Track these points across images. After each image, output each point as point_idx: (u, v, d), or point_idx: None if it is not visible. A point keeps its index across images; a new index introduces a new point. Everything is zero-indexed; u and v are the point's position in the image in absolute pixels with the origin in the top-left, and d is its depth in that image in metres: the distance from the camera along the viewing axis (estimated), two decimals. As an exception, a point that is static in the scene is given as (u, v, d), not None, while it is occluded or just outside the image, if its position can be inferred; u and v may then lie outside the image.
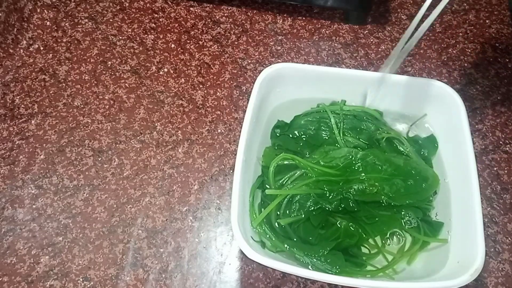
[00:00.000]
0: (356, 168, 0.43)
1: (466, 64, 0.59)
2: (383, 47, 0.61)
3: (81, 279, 0.45)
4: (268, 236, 0.42)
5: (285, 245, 0.41)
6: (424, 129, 0.49)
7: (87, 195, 0.49)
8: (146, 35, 0.61)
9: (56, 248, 0.46)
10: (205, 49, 0.60)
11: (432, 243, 0.43)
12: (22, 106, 0.55)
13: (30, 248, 0.46)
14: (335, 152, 0.44)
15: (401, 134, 0.47)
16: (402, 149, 0.46)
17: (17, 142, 0.52)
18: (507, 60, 0.59)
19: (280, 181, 0.43)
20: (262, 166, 0.46)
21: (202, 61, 0.59)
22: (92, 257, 0.46)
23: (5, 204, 0.48)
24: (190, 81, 0.57)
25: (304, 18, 0.63)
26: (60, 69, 0.58)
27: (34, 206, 0.48)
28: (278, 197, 0.42)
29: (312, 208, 0.42)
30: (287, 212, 0.42)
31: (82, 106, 0.55)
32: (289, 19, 0.63)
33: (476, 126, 0.54)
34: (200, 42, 0.61)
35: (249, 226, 0.41)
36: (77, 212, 0.48)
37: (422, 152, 0.47)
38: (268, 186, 0.44)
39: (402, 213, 0.43)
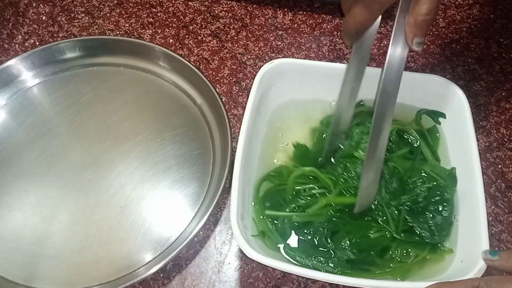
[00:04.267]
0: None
1: (470, 60, 0.58)
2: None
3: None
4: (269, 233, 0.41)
5: (285, 248, 0.40)
6: (426, 125, 0.48)
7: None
8: (143, 30, 0.60)
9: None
10: (204, 44, 0.59)
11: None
12: (18, 102, 0.54)
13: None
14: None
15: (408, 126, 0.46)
16: (411, 140, 0.45)
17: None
18: (512, 56, 0.59)
19: (298, 187, 0.43)
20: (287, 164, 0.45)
21: (200, 56, 0.58)
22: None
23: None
24: (189, 77, 0.56)
25: (305, 12, 0.62)
26: (57, 64, 0.57)
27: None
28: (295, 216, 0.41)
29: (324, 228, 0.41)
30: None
31: (78, 102, 0.54)
32: (289, 13, 0.62)
33: (480, 123, 0.53)
34: (199, 37, 0.60)
35: (248, 225, 0.41)
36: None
37: (428, 143, 0.46)
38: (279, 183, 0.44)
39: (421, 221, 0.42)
